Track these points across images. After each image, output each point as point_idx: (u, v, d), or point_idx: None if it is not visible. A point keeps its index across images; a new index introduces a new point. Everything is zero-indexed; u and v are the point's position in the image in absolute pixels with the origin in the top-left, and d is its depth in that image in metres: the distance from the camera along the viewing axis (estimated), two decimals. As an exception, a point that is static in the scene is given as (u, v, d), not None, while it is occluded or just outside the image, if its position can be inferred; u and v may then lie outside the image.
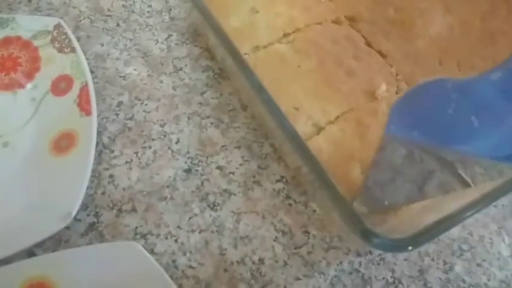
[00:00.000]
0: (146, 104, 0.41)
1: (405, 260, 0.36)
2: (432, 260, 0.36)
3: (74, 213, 0.32)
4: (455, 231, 0.38)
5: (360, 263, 0.35)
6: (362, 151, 0.33)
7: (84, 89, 0.38)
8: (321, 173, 0.30)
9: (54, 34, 0.41)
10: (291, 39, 0.39)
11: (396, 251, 0.33)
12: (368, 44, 0.41)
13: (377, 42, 0.41)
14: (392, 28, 0.42)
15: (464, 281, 0.36)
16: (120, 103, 0.41)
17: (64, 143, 0.36)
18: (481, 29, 0.42)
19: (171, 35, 0.46)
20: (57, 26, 0.42)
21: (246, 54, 0.39)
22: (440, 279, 0.35)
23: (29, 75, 0.40)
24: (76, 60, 0.40)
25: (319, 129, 0.35)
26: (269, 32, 0.40)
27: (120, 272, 0.30)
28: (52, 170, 0.35)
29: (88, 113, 0.37)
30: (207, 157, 0.39)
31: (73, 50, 0.40)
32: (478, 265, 0.36)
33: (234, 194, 0.37)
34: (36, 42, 0.41)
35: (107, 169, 0.38)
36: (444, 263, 0.36)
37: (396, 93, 0.37)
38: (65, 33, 0.41)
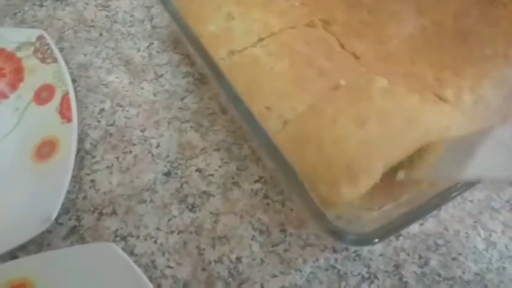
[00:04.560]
0: (127, 110, 0.42)
1: (381, 255, 0.37)
2: (408, 255, 0.37)
3: (53, 217, 0.33)
4: (430, 227, 0.38)
5: (336, 259, 0.36)
6: (318, 132, 0.34)
7: (65, 97, 0.40)
8: (290, 173, 0.31)
9: (37, 45, 0.43)
10: (265, 43, 0.40)
11: (363, 245, 0.33)
12: (342, 46, 0.42)
13: (351, 44, 0.42)
14: (366, 30, 0.43)
15: (439, 275, 0.36)
16: (102, 110, 0.42)
17: (45, 149, 0.37)
18: (453, 29, 0.42)
19: (152, 43, 0.47)
20: (40, 38, 0.43)
21: (222, 59, 0.40)
22: (416, 273, 0.36)
23: (13, 86, 0.42)
24: (58, 70, 0.41)
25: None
26: (245, 37, 0.41)
27: (97, 272, 0.31)
28: (34, 176, 0.36)
29: (69, 120, 0.38)
30: (187, 160, 0.40)
31: (55, 60, 0.42)
32: (454, 259, 0.37)
33: (213, 196, 0.38)
34: (19, 54, 0.43)
35: (88, 174, 0.39)
36: (420, 257, 0.37)
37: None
38: (48, 44, 0.42)
